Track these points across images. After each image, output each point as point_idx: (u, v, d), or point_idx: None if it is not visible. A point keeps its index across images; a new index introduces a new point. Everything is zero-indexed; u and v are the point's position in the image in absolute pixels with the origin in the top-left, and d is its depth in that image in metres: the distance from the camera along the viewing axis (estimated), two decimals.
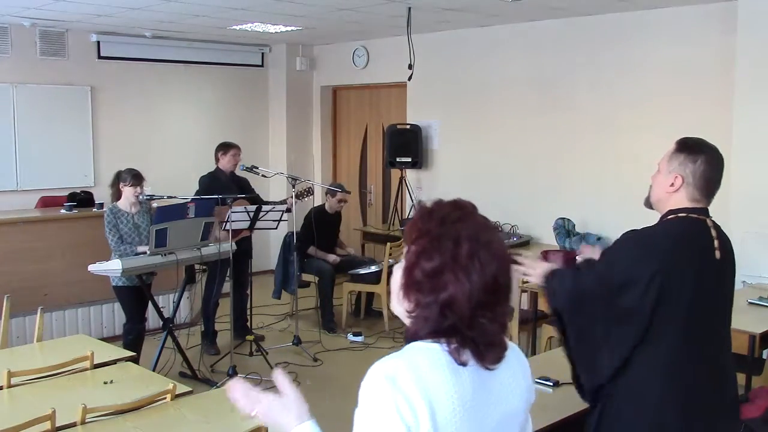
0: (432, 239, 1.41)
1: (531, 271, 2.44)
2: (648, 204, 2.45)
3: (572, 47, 6.62)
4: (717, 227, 2.36)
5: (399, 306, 1.47)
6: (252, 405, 1.47)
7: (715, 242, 2.32)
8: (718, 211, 2.58)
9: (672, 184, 2.32)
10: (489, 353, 1.41)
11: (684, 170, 2.30)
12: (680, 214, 2.32)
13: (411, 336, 1.44)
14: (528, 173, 6.94)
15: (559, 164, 6.74)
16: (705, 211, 2.35)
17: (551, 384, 3.12)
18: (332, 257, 7.01)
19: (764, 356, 4.42)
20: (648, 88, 6.13)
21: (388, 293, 6.76)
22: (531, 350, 5.36)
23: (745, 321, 4.13)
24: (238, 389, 1.49)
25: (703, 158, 2.29)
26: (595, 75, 6.48)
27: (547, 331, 5.14)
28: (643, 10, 6.07)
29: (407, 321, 1.46)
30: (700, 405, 2.27)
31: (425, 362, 1.38)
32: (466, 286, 1.37)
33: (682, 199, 2.32)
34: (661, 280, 2.19)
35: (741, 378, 4.10)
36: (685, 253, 2.25)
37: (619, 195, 6.08)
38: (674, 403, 2.25)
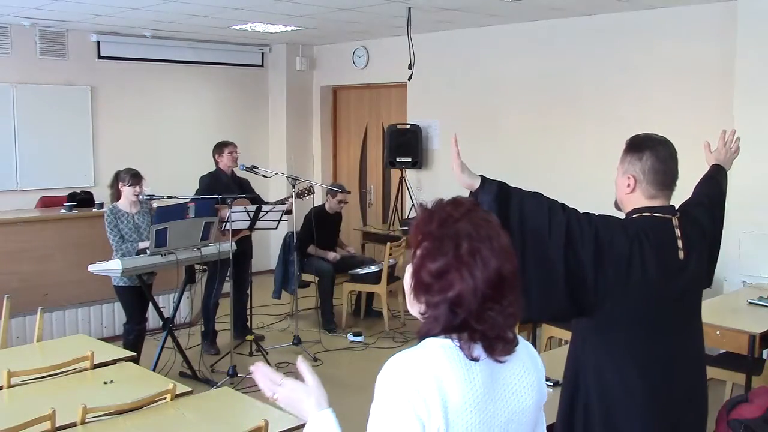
0: (434, 241, 1.45)
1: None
2: (617, 206, 2.46)
3: (572, 47, 6.62)
4: (684, 222, 2.33)
5: (412, 308, 1.52)
6: (273, 388, 1.50)
7: (679, 242, 2.29)
8: None
9: (628, 185, 2.33)
10: (499, 346, 1.45)
11: (634, 169, 2.31)
12: (644, 213, 2.31)
13: (424, 334, 1.47)
14: (528, 173, 6.92)
15: (560, 164, 6.74)
16: (670, 209, 2.33)
17: (551, 384, 3.11)
18: (332, 255, 7.02)
19: (764, 356, 4.42)
20: (648, 88, 6.13)
21: (388, 293, 6.84)
22: None
23: (745, 321, 4.14)
24: (261, 371, 1.53)
25: (647, 153, 2.29)
26: (595, 75, 6.48)
27: (547, 331, 5.13)
28: (643, 10, 6.07)
29: (421, 321, 1.50)
30: (662, 403, 2.27)
31: (439, 357, 1.42)
32: (470, 283, 1.41)
33: (640, 198, 2.32)
34: (629, 257, 2.18)
35: (741, 378, 4.13)
36: (645, 252, 2.21)
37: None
38: (635, 397, 2.25)
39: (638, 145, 2.33)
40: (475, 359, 1.43)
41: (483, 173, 2.25)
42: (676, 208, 2.40)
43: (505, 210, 2.19)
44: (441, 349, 1.44)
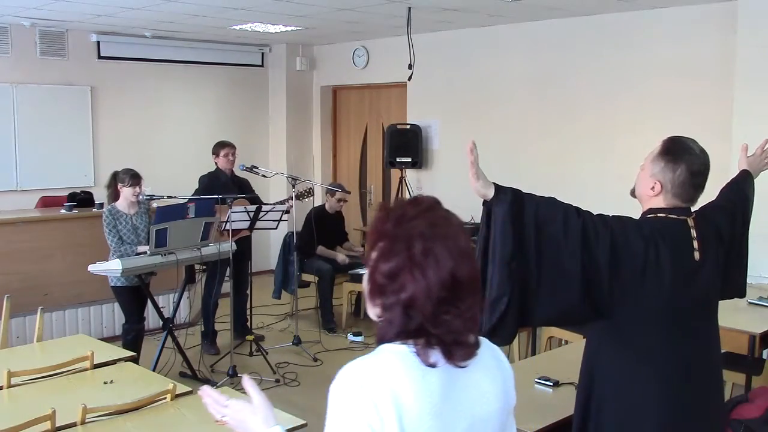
0: (388, 241, 1.40)
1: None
2: (633, 194, 2.43)
3: (572, 47, 6.62)
4: (700, 223, 2.31)
5: (370, 312, 1.48)
6: (221, 410, 1.50)
7: (695, 243, 2.27)
8: None
9: (652, 188, 2.29)
10: (457, 351, 1.39)
11: (663, 177, 2.26)
12: (660, 215, 2.29)
13: (379, 339, 1.43)
14: (528, 172, 6.93)
15: (560, 163, 6.74)
16: (686, 211, 2.31)
17: (551, 384, 3.12)
18: (341, 257, 7.01)
19: (764, 356, 4.42)
20: (648, 87, 6.13)
21: None
22: (531, 350, 5.36)
23: (745, 321, 4.13)
24: (207, 395, 1.52)
25: (683, 167, 2.24)
26: (595, 75, 6.48)
27: (547, 331, 5.13)
28: (643, 10, 6.07)
29: (378, 324, 1.46)
30: (681, 408, 2.25)
31: (393, 364, 1.37)
32: (422, 284, 1.36)
33: (660, 203, 2.30)
34: (645, 259, 2.17)
35: (741, 378, 4.13)
36: (661, 252, 2.20)
37: (619, 194, 6.05)
38: (652, 402, 2.23)
39: (676, 154, 2.26)
40: (432, 365, 1.38)
41: (483, 173, 2.24)
42: (696, 209, 2.38)
43: (520, 218, 2.17)
44: (396, 356, 1.38)
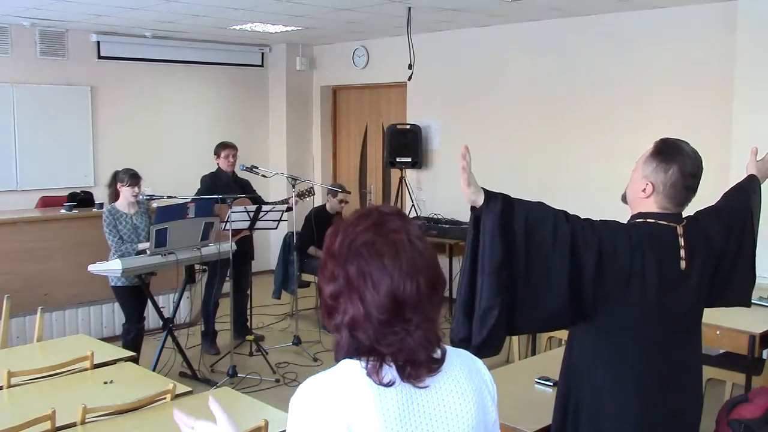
0: (332, 261, 1.36)
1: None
2: (624, 199, 2.41)
3: (572, 47, 6.62)
4: (690, 231, 2.28)
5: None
6: (188, 430, 1.53)
7: (682, 251, 2.25)
8: None
9: (643, 190, 2.27)
10: (413, 370, 1.33)
11: (655, 178, 2.24)
12: (649, 220, 2.26)
13: (335, 358, 1.40)
14: (528, 173, 6.94)
15: (560, 163, 6.74)
16: (677, 217, 2.28)
17: (551, 384, 3.11)
18: None
19: (764, 356, 4.42)
20: (648, 87, 6.13)
21: None
22: (531, 350, 5.36)
23: (745, 321, 4.13)
24: (178, 417, 1.56)
25: (675, 168, 2.22)
26: (595, 75, 6.48)
27: None
28: (643, 10, 6.07)
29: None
30: (658, 413, 2.25)
31: (350, 382, 1.32)
32: (359, 308, 1.31)
33: (651, 206, 2.27)
34: (630, 266, 2.16)
35: (741, 378, 4.13)
36: (647, 259, 2.19)
37: (619, 194, 6.08)
38: (626, 406, 2.24)
39: (668, 155, 2.24)
40: (387, 384, 1.32)
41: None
42: (690, 215, 2.36)
43: (509, 226, 2.14)
44: (354, 373, 1.33)
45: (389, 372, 1.32)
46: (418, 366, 1.33)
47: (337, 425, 1.29)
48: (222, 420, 1.49)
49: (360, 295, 1.31)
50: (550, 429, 2.43)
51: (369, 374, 1.32)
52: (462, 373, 1.43)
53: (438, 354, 1.37)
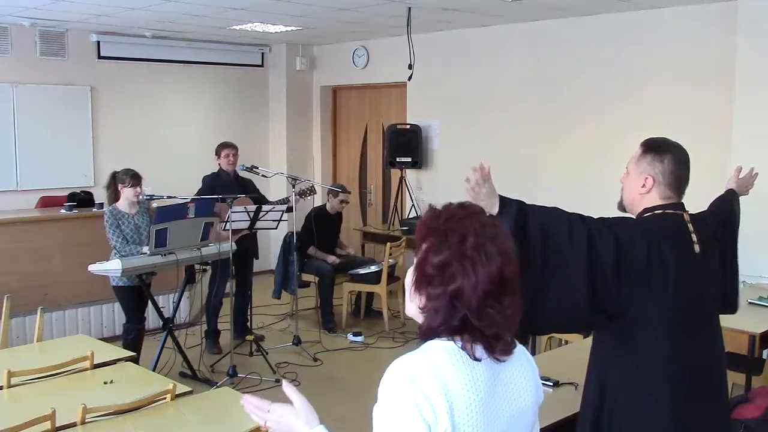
0: (440, 235, 1.47)
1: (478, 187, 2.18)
2: (621, 207, 2.46)
3: (572, 47, 6.62)
4: (696, 220, 2.35)
5: (412, 304, 1.52)
6: (263, 416, 1.52)
7: (693, 236, 2.31)
8: None
9: (643, 185, 2.34)
10: (498, 345, 1.46)
11: (653, 170, 2.33)
12: (656, 211, 2.32)
13: (425, 331, 1.48)
14: (528, 173, 6.94)
15: (560, 164, 6.74)
16: (680, 206, 2.35)
17: (551, 384, 3.12)
18: (331, 258, 7.01)
19: (764, 356, 4.42)
20: (648, 87, 6.13)
21: (388, 293, 6.83)
22: (531, 350, 5.36)
23: (745, 321, 4.13)
24: (250, 402, 1.54)
25: (669, 157, 2.32)
26: (596, 75, 6.48)
27: None
28: (643, 10, 6.07)
29: (420, 318, 1.50)
30: (687, 404, 2.26)
31: (442, 359, 1.43)
32: (472, 277, 1.42)
33: (654, 198, 2.34)
34: (648, 256, 2.18)
35: (741, 378, 4.13)
36: (663, 248, 2.22)
37: (617, 191, 6.08)
38: (659, 399, 2.24)
39: (659, 147, 2.35)
40: (478, 359, 1.44)
41: (492, 185, 2.21)
42: (690, 213, 2.40)
43: (524, 233, 2.16)
44: (443, 351, 1.44)
45: (478, 348, 1.45)
46: (503, 342, 1.48)
47: (437, 398, 1.38)
48: (298, 402, 1.51)
49: (473, 266, 1.43)
50: None
51: (464, 349, 1.44)
52: (523, 355, 1.60)
53: (512, 337, 1.53)
